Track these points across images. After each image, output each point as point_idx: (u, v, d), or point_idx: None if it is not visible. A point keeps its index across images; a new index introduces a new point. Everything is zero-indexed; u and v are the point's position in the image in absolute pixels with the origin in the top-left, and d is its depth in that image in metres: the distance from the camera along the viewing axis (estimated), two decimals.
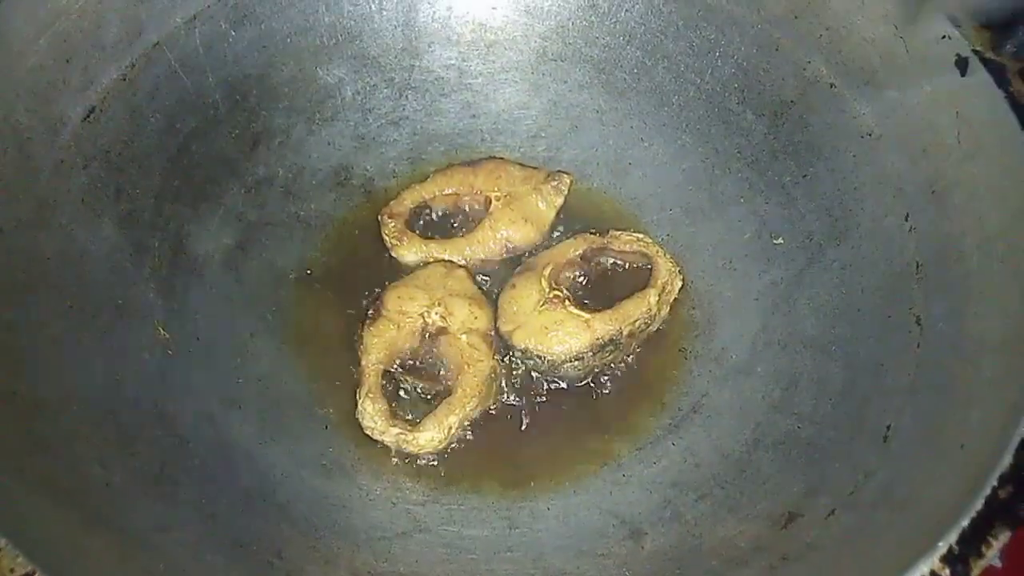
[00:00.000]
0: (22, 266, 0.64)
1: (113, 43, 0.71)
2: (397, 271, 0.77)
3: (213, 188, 0.77)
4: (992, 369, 0.59)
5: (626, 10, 0.81)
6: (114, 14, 0.71)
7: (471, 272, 0.76)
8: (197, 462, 0.66)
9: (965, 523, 0.50)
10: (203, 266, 0.75)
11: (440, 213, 0.80)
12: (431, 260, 0.77)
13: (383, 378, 0.71)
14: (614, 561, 0.64)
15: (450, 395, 0.70)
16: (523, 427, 0.72)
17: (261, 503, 0.66)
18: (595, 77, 0.83)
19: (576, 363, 0.72)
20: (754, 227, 0.77)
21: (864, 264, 0.70)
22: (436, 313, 0.72)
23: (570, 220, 0.80)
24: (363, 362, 0.71)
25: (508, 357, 0.73)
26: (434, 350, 0.72)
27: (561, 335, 0.71)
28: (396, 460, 0.70)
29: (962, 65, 0.65)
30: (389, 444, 0.69)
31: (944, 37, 0.67)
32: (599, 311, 0.72)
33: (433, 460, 0.70)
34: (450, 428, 0.69)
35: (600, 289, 0.76)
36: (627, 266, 0.77)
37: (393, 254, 0.77)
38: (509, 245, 0.77)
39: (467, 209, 0.80)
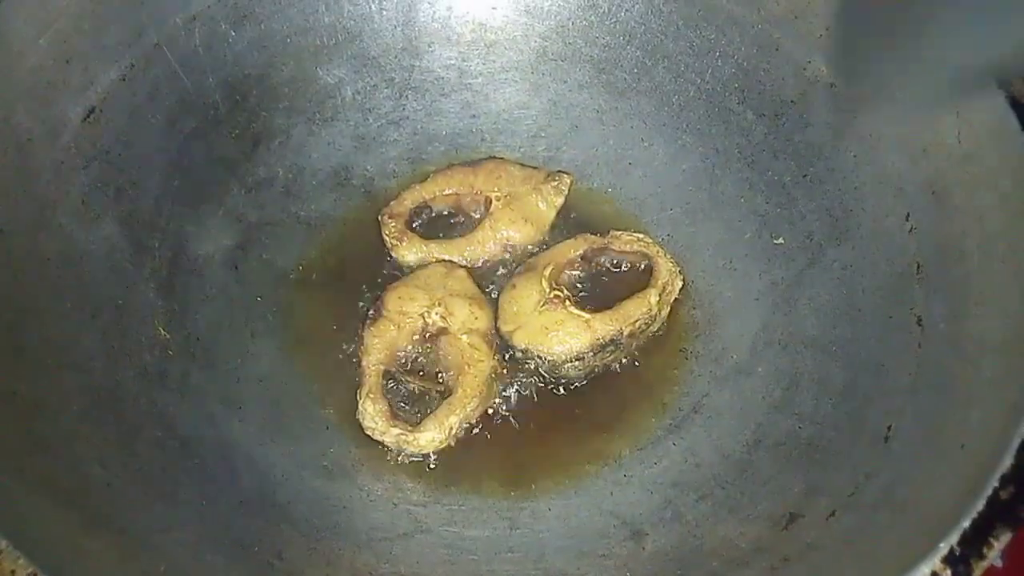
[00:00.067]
0: (22, 266, 0.64)
1: (113, 44, 0.71)
2: (397, 271, 0.77)
3: (213, 188, 0.77)
4: (993, 369, 0.59)
5: (626, 10, 0.81)
6: (114, 15, 0.71)
7: (471, 272, 0.76)
8: (197, 463, 0.66)
9: (966, 524, 0.50)
10: (203, 266, 0.75)
11: (440, 213, 0.80)
12: (431, 260, 0.77)
13: (383, 378, 0.71)
14: (615, 562, 0.64)
15: (451, 395, 0.70)
16: (524, 427, 0.72)
17: (261, 504, 0.66)
18: (595, 77, 0.83)
19: (577, 363, 0.72)
20: (754, 227, 0.77)
21: (865, 264, 0.70)
22: (436, 313, 0.72)
23: (570, 220, 0.80)
24: (363, 362, 0.71)
25: (508, 357, 0.73)
26: (434, 350, 0.72)
27: (561, 335, 0.71)
28: (397, 461, 0.70)
29: None
30: (390, 445, 0.69)
31: None
32: (599, 311, 0.72)
33: (434, 461, 0.70)
34: (451, 428, 0.69)
35: (600, 289, 0.76)
36: (627, 266, 0.76)
37: (393, 254, 0.77)
38: (509, 245, 0.77)
39: (467, 209, 0.79)
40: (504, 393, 0.73)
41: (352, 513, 0.67)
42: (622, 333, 0.72)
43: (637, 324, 0.72)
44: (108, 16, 0.71)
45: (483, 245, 0.77)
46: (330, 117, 0.82)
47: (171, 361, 0.69)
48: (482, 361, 0.71)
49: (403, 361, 0.72)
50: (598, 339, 0.71)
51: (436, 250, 0.77)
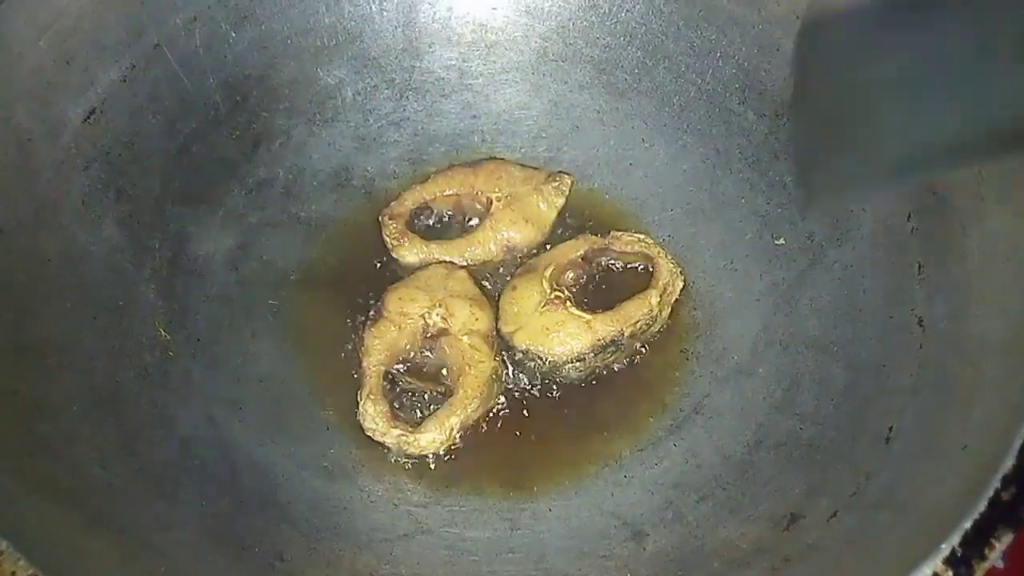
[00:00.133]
0: (22, 267, 0.64)
1: (113, 44, 0.71)
2: (398, 272, 0.77)
3: (214, 189, 0.77)
4: (995, 370, 0.58)
5: (627, 10, 0.81)
6: (114, 15, 0.71)
7: (472, 273, 0.76)
8: (198, 463, 0.66)
9: (968, 525, 0.50)
10: (204, 267, 0.75)
11: (441, 214, 0.80)
12: (432, 261, 0.76)
13: (384, 379, 0.71)
14: (616, 563, 0.64)
15: (451, 396, 0.70)
16: (524, 428, 0.72)
17: (262, 504, 0.66)
18: (596, 78, 0.83)
19: (577, 364, 0.72)
20: (755, 228, 0.77)
21: (866, 265, 0.70)
22: (437, 314, 0.72)
23: (571, 221, 0.80)
24: (364, 363, 0.71)
25: (509, 358, 0.73)
26: (435, 351, 0.72)
27: (562, 336, 0.71)
28: (397, 462, 0.70)
29: None
30: (390, 445, 0.69)
31: None
32: (600, 312, 0.72)
33: (434, 462, 0.70)
34: (451, 429, 0.69)
35: (601, 290, 0.76)
36: (628, 267, 0.76)
37: (394, 255, 0.77)
38: (510, 246, 0.77)
39: (468, 210, 0.79)
40: (505, 394, 0.73)
41: (353, 514, 0.67)
42: (623, 334, 0.72)
43: (638, 325, 0.72)
44: (108, 17, 0.71)
45: (484, 246, 0.77)
46: (331, 118, 0.82)
47: (171, 361, 0.69)
48: (483, 362, 0.71)
49: (404, 362, 0.72)
50: (599, 340, 0.71)
51: (437, 251, 0.77)
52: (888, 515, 0.58)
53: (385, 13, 0.82)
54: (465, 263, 0.77)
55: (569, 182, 0.79)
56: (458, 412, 0.69)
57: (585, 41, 0.83)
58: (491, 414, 0.72)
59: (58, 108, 0.68)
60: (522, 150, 0.84)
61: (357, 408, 0.70)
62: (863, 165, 0.54)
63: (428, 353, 0.73)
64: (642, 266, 0.76)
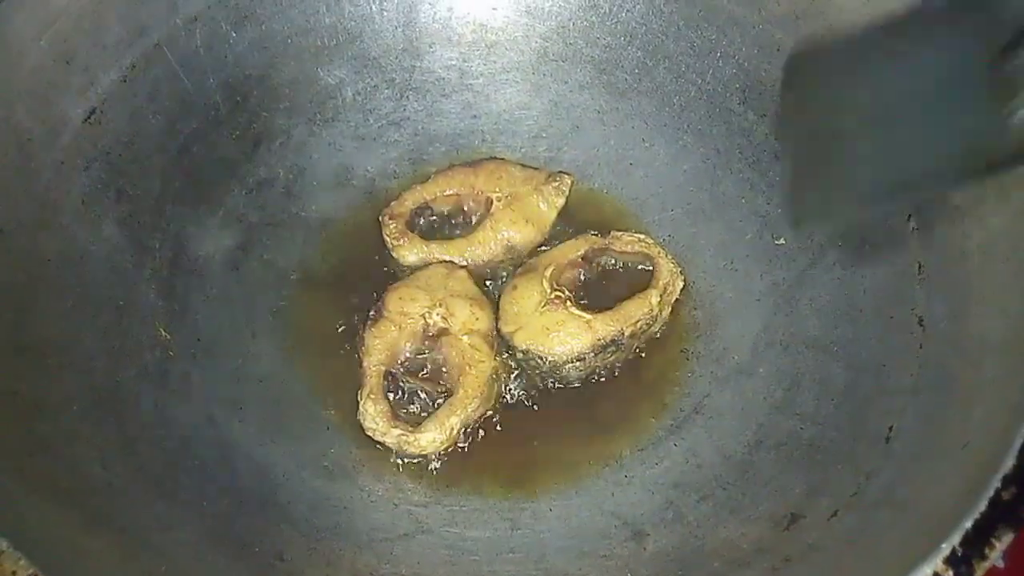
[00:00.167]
0: (23, 267, 0.64)
1: (114, 44, 0.71)
2: (398, 272, 0.77)
3: (214, 189, 0.77)
4: (995, 369, 0.59)
5: (627, 10, 0.81)
6: (114, 15, 0.71)
7: (472, 273, 0.76)
8: (198, 463, 0.66)
9: (968, 524, 0.50)
10: (204, 267, 0.75)
11: (441, 214, 0.80)
12: (432, 261, 0.76)
13: (384, 379, 0.71)
14: (616, 562, 0.64)
15: (452, 396, 0.70)
16: (525, 428, 0.72)
17: (262, 504, 0.66)
18: (596, 78, 0.83)
19: (577, 364, 0.72)
20: (756, 227, 0.77)
21: (866, 264, 0.70)
22: (437, 314, 0.72)
23: (571, 221, 0.80)
24: (364, 363, 0.71)
25: (509, 358, 0.73)
26: (435, 351, 0.72)
27: (562, 336, 0.71)
28: (398, 461, 0.70)
29: None
30: (391, 445, 0.69)
31: None
32: (600, 312, 0.72)
33: (435, 461, 0.70)
34: (452, 429, 0.69)
35: (601, 290, 0.76)
36: (628, 267, 0.76)
37: (394, 255, 0.77)
38: (510, 246, 0.77)
39: (468, 210, 0.79)
40: (505, 394, 0.73)
41: (353, 514, 0.67)
42: (623, 334, 0.72)
43: (638, 325, 0.72)
44: (109, 16, 0.70)
45: (484, 246, 0.77)
46: (331, 118, 0.82)
47: (172, 361, 0.69)
48: (483, 362, 0.71)
49: (404, 362, 0.72)
50: (599, 340, 0.71)
51: (437, 251, 0.77)
52: (888, 515, 0.58)
53: (385, 13, 0.82)
54: (465, 263, 0.77)
55: (569, 182, 0.79)
56: (458, 412, 0.69)
57: (585, 41, 0.83)
58: (491, 414, 0.72)
59: (58, 108, 0.68)
60: (522, 150, 0.84)
61: (357, 408, 0.70)
62: (846, 190, 0.57)
63: (428, 353, 0.73)
64: (642, 266, 0.76)
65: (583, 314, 0.72)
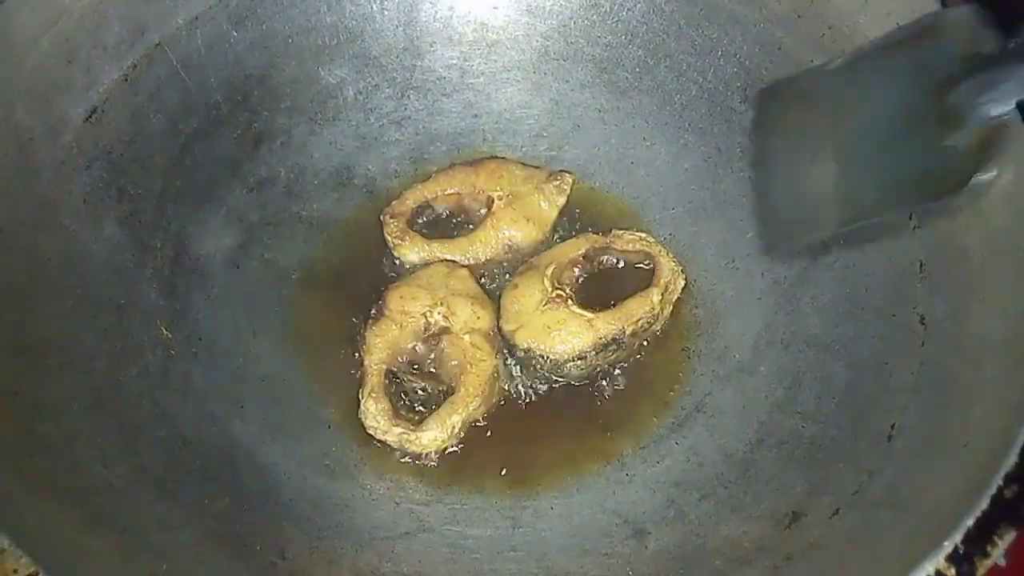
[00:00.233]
0: (23, 266, 0.64)
1: (115, 43, 0.71)
2: (399, 271, 0.77)
3: (215, 188, 0.77)
4: (996, 368, 0.58)
5: (628, 9, 0.81)
6: (116, 14, 0.71)
7: (473, 272, 0.76)
8: (199, 462, 0.65)
9: (970, 523, 0.50)
10: (205, 266, 0.75)
11: (442, 213, 0.80)
12: (433, 260, 0.76)
13: (386, 378, 0.71)
14: (618, 560, 0.64)
15: (453, 395, 0.70)
16: (526, 426, 0.72)
17: (263, 503, 0.66)
18: (597, 76, 0.83)
19: (579, 362, 0.72)
20: (757, 226, 0.77)
21: (867, 263, 0.70)
22: (438, 313, 0.72)
23: (572, 219, 0.80)
24: (365, 362, 0.71)
25: (511, 357, 0.73)
26: (437, 350, 0.72)
27: (564, 334, 0.71)
28: (399, 460, 0.70)
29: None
30: (392, 444, 0.69)
31: None
32: (602, 310, 0.72)
33: (436, 460, 0.70)
34: (453, 428, 0.69)
35: (603, 288, 0.76)
36: (630, 265, 0.76)
37: (395, 254, 0.77)
38: (511, 245, 0.77)
39: (469, 209, 0.79)
40: (506, 392, 0.73)
41: (354, 512, 0.67)
42: (624, 332, 0.72)
43: (639, 323, 0.72)
44: (110, 16, 0.71)
45: (485, 244, 0.77)
46: (332, 117, 0.82)
47: (173, 361, 0.69)
48: (484, 360, 0.71)
49: (405, 360, 0.72)
50: (600, 338, 0.71)
51: (438, 249, 0.77)
52: (890, 513, 0.57)
53: (386, 12, 0.82)
54: (467, 262, 0.77)
55: (570, 181, 0.79)
56: (460, 410, 0.69)
57: (586, 40, 0.82)
58: (492, 412, 0.72)
59: (59, 107, 0.68)
60: (523, 149, 0.84)
61: (359, 407, 0.70)
62: (809, 217, 0.61)
63: (430, 351, 0.73)
64: (644, 264, 0.76)
65: (584, 313, 0.72)
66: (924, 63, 0.54)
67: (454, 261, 0.76)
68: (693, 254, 0.78)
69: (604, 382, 0.73)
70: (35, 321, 0.64)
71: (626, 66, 0.82)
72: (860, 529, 0.58)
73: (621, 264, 0.77)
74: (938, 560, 0.50)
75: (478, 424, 0.71)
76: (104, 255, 0.69)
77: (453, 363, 0.71)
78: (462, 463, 0.70)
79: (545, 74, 0.84)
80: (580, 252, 0.75)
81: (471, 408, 0.69)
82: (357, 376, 0.71)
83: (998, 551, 0.50)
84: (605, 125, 0.83)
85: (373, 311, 0.73)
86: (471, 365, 0.71)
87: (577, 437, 0.71)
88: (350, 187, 0.82)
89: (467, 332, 0.72)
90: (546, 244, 0.78)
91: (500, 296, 0.75)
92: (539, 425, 0.72)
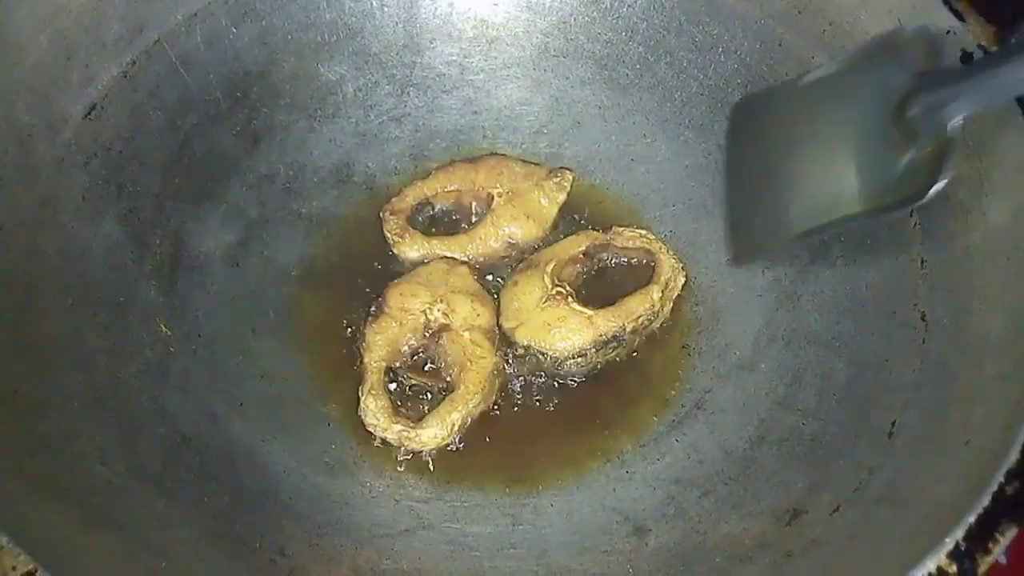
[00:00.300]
0: (23, 264, 0.64)
1: (114, 40, 0.71)
2: (399, 268, 0.77)
3: (214, 185, 0.77)
4: (997, 365, 0.58)
5: (628, 6, 0.80)
6: (115, 11, 0.71)
7: (473, 269, 0.76)
8: (198, 460, 0.65)
9: (972, 519, 0.50)
10: (205, 263, 0.75)
11: (442, 210, 0.80)
12: (433, 257, 0.76)
13: (385, 375, 0.71)
14: (618, 558, 0.64)
15: (453, 392, 0.70)
16: (526, 424, 0.72)
17: (263, 501, 0.65)
18: (597, 73, 0.83)
19: (579, 360, 0.71)
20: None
21: (868, 260, 0.70)
22: (438, 310, 0.72)
23: (572, 216, 0.80)
24: (365, 359, 0.71)
25: (511, 354, 0.73)
26: (436, 347, 0.72)
27: (564, 332, 0.71)
28: (399, 457, 0.70)
29: (967, 60, 0.65)
30: (392, 441, 0.69)
31: (949, 32, 0.66)
32: (602, 308, 0.72)
33: (436, 457, 0.70)
34: (453, 425, 0.69)
35: (603, 286, 0.76)
36: (630, 262, 0.76)
37: (395, 251, 0.77)
38: (511, 242, 0.77)
39: (469, 206, 0.79)
40: (506, 389, 0.73)
41: (354, 509, 0.67)
42: (625, 329, 0.72)
43: (640, 320, 0.72)
44: (109, 13, 0.70)
45: (485, 242, 0.77)
46: (331, 114, 0.82)
47: (172, 358, 0.69)
48: (484, 358, 0.71)
49: (405, 358, 0.72)
50: (600, 335, 0.71)
51: (438, 246, 0.77)
52: (891, 510, 0.57)
53: (386, 9, 0.82)
54: (466, 259, 0.77)
55: (570, 178, 0.79)
56: (459, 408, 0.69)
57: (586, 37, 0.82)
58: (492, 409, 0.72)
59: (58, 104, 0.68)
60: (523, 146, 0.84)
61: (358, 404, 0.70)
62: (774, 229, 0.65)
63: (429, 349, 0.72)
64: (644, 262, 0.76)
65: (584, 310, 0.72)
66: (884, 78, 0.57)
67: (454, 258, 0.76)
68: (693, 251, 0.78)
69: (604, 379, 0.73)
70: (35, 319, 0.64)
71: (626, 63, 0.82)
72: (861, 526, 0.58)
73: (621, 261, 0.76)
74: (939, 557, 0.50)
75: (478, 421, 0.71)
76: (103, 252, 0.69)
77: (453, 360, 0.71)
78: (462, 460, 0.70)
79: (545, 71, 0.84)
80: (580, 249, 0.75)
81: (471, 405, 0.69)
82: (357, 373, 0.71)
83: (999, 548, 0.50)
84: (605, 122, 0.83)
85: (373, 308, 0.73)
86: (471, 362, 0.70)
87: (577, 434, 0.71)
88: (350, 184, 0.82)
89: (467, 329, 0.72)
90: (546, 241, 0.78)
91: (500, 293, 0.75)
92: (539, 422, 0.72)
